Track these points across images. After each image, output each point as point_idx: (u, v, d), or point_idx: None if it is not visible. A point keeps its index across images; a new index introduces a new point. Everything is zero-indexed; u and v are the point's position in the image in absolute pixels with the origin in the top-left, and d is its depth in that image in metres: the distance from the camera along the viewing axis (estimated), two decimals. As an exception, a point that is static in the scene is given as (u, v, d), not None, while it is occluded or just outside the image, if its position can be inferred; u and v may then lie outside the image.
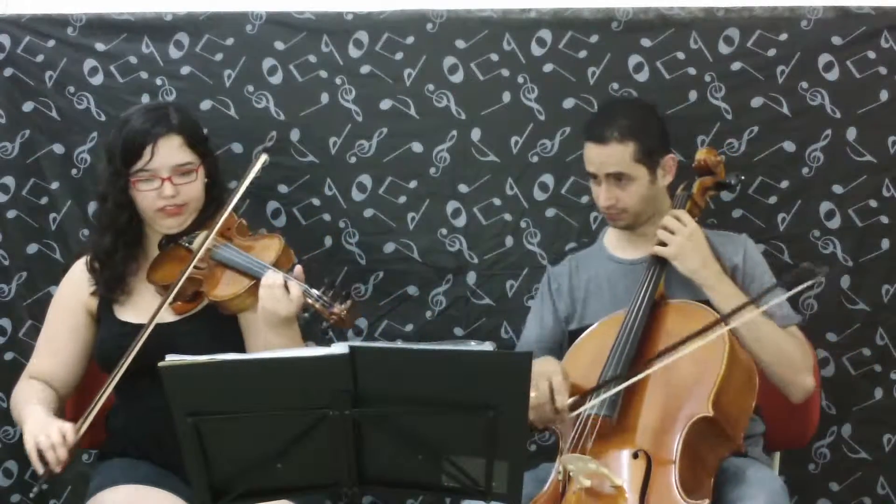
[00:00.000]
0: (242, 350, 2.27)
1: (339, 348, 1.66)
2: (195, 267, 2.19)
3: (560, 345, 2.51)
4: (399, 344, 2.71)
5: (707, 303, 2.33)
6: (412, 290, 2.82)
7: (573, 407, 2.20)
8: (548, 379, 2.21)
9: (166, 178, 2.23)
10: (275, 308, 2.10)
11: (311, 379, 1.68)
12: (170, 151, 2.24)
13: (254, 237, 2.33)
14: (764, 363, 2.31)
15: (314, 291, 2.11)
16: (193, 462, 1.71)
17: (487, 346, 1.71)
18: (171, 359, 1.68)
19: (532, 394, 2.16)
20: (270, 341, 2.14)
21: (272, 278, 2.12)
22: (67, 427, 2.11)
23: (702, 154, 2.54)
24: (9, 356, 2.84)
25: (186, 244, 2.27)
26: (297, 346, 2.16)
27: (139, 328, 2.21)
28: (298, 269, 2.16)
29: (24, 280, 2.84)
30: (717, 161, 2.53)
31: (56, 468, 2.08)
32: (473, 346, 1.71)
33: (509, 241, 2.82)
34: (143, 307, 2.27)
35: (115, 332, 2.28)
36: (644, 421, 2.18)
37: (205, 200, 2.32)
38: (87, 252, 2.38)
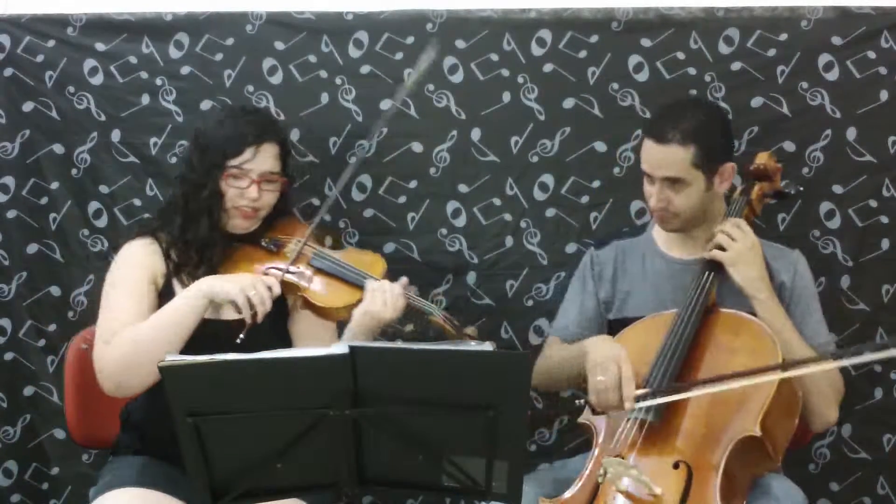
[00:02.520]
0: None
1: (338, 348, 1.66)
2: (289, 271, 2.26)
3: (599, 329, 2.47)
4: (399, 344, 2.71)
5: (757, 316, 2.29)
6: (412, 290, 2.82)
7: (638, 399, 2.15)
8: (617, 364, 2.16)
9: (255, 181, 2.29)
10: (381, 311, 2.20)
11: (311, 379, 1.68)
12: (267, 157, 2.31)
13: (348, 250, 2.42)
14: (806, 399, 2.26)
15: (439, 311, 2.24)
16: (193, 462, 1.71)
17: (487, 346, 1.71)
18: (172, 359, 1.68)
19: (599, 377, 2.16)
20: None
21: (377, 284, 2.23)
22: (271, 281, 2.19)
23: (762, 159, 2.49)
24: (9, 356, 2.85)
25: (270, 246, 2.34)
26: None
27: (203, 321, 2.21)
28: (404, 280, 2.28)
29: (24, 280, 2.84)
30: (776, 167, 2.50)
31: (261, 317, 2.16)
32: (473, 346, 1.71)
33: (509, 241, 2.82)
34: None
35: None
36: (687, 431, 2.14)
37: (270, 211, 2.36)
38: (147, 234, 2.34)
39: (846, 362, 2.20)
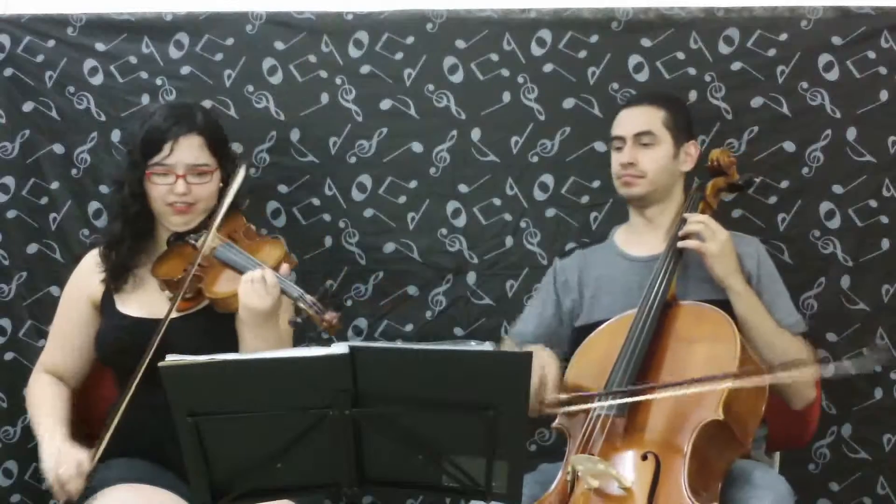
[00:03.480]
0: (236, 349, 2.27)
1: (339, 348, 1.66)
2: (199, 265, 2.21)
3: (558, 338, 2.50)
4: (399, 344, 2.71)
5: (719, 304, 2.31)
6: (412, 290, 2.82)
7: (561, 403, 2.19)
8: (540, 369, 2.21)
9: (180, 176, 2.26)
10: (251, 302, 2.12)
11: (311, 379, 1.67)
12: (188, 150, 2.27)
13: (261, 240, 2.34)
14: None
15: (308, 297, 2.11)
16: (193, 462, 1.71)
17: (487, 346, 1.71)
18: (171, 359, 1.68)
19: None
20: (250, 344, 2.17)
21: (251, 273, 2.14)
22: (82, 457, 2.14)
23: (715, 154, 2.53)
24: (9, 356, 2.85)
25: (193, 241, 2.29)
26: (282, 348, 2.17)
27: (138, 322, 2.26)
28: (284, 267, 2.18)
29: (24, 280, 2.84)
30: (730, 162, 2.53)
31: (75, 497, 2.13)
32: (473, 346, 1.71)
33: (509, 241, 2.82)
34: (145, 301, 2.30)
35: (114, 324, 2.30)
36: (653, 423, 2.16)
37: (215, 203, 2.33)
38: (98, 243, 2.41)
39: (785, 376, 2.20)
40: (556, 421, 2.28)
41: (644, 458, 2.10)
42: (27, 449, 2.85)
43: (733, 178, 2.54)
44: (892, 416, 2.78)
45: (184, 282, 2.18)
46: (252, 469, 1.73)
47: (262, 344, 2.16)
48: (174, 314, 2.21)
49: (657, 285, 2.33)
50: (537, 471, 2.35)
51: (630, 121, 2.48)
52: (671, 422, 2.14)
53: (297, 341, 2.41)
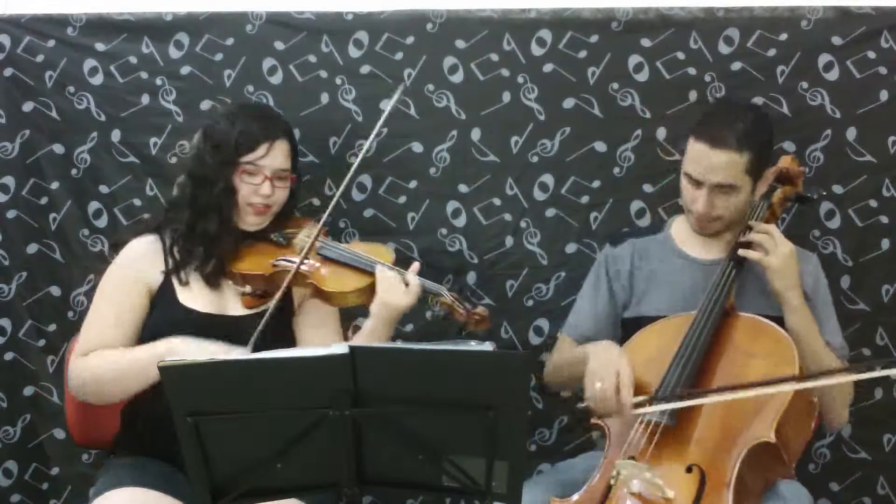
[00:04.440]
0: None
1: (338, 348, 1.66)
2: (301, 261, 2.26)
3: (615, 328, 2.47)
4: (399, 344, 2.71)
5: (773, 318, 2.28)
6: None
7: (637, 406, 2.15)
8: (616, 370, 2.16)
9: (268, 178, 2.30)
10: (392, 300, 2.19)
11: (311, 379, 1.68)
12: (279, 154, 2.32)
13: (355, 243, 2.43)
14: (823, 405, 2.28)
15: (447, 293, 2.22)
16: (193, 462, 1.71)
17: (487, 346, 1.71)
18: (172, 359, 1.69)
19: (597, 384, 2.16)
20: (372, 339, 2.22)
21: (390, 272, 2.21)
22: (236, 351, 2.12)
23: (786, 161, 2.49)
24: (9, 356, 2.85)
25: (279, 239, 2.34)
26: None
27: (206, 317, 2.26)
28: (416, 265, 2.25)
29: (24, 280, 2.84)
30: (799, 171, 2.50)
31: None
32: (473, 346, 1.71)
33: (509, 241, 2.82)
34: (211, 297, 2.30)
35: (178, 317, 2.26)
36: (701, 435, 2.13)
37: (281, 208, 2.38)
38: (152, 230, 2.36)
39: (857, 376, 2.18)
40: (596, 416, 2.25)
41: (689, 470, 2.08)
42: (27, 449, 2.87)
43: (799, 188, 2.50)
44: (892, 416, 2.78)
45: (283, 276, 2.24)
46: (252, 469, 1.73)
47: (383, 340, 2.23)
48: (242, 311, 2.26)
49: (718, 291, 2.29)
50: (549, 472, 2.34)
51: (710, 168, 2.27)
52: (721, 437, 2.11)
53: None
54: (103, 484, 2.19)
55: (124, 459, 2.27)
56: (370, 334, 2.24)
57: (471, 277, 2.82)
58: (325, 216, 2.33)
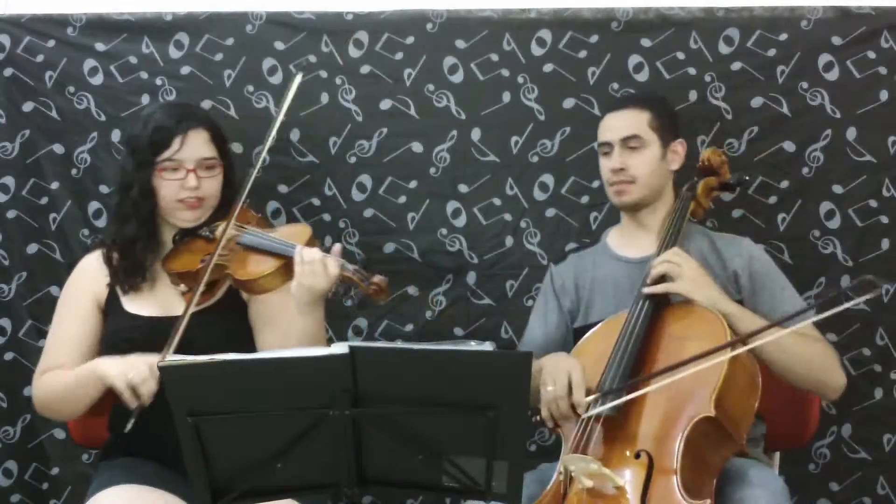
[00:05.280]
0: (251, 342, 2.30)
1: (339, 348, 1.66)
2: (219, 254, 2.21)
3: (565, 342, 2.50)
4: (399, 344, 2.71)
5: None
6: (412, 290, 2.82)
7: (592, 404, 2.17)
8: (567, 373, 2.19)
9: (191, 170, 2.27)
10: (312, 283, 2.11)
11: (311, 379, 1.68)
12: (197, 144, 2.29)
13: (282, 226, 2.37)
14: (793, 373, 2.28)
15: (350, 265, 2.13)
16: (193, 462, 1.71)
17: (487, 346, 1.70)
18: (171, 359, 1.69)
19: (549, 388, 2.18)
20: (296, 322, 2.16)
21: (310, 253, 2.13)
22: (152, 359, 2.12)
23: (706, 154, 2.54)
24: (9, 356, 2.85)
25: (207, 234, 2.30)
26: (321, 331, 2.19)
27: (152, 321, 2.26)
28: (337, 246, 2.18)
29: (24, 280, 2.84)
30: (721, 161, 2.53)
31: (147, 401, 2.11)
32: (473, 346, 1.71)
33: (509, 241, 2.82)
34: (153, 299, 2.31)
35: (125, 324, 2.29)
36: (646, 421, 2.16)
37: (219, 200, 2.35)
38: (99, 245, 2.40)
39: (839, 308, 2.11)
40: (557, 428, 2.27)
41: (637, 456, 2.10)
42: (27, 449, 2.86)
43: (725, 177, 2.54)
44: (892, 416, 2.78)
45: (204, 271, 2.19)
46: (252, 469, 1.73)
47: (312, 324, 2.16)
48: (192, 309, 2.22)
49: (638, 311, 2.30)
50: (537, 469, 2.35)
51: (616, 125, 2.46)
52: (663, 420, 2.14)
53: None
54: (97, 484, 2.19)
55: (115, 461, 2.28)
56: (298, 316, 2.17)
57: (471, 277, 2.82)
58: (239, 203, 2.25)
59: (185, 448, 1.70)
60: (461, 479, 1.73)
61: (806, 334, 2.30)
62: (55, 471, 2.87)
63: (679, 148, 2.49)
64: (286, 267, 2.16)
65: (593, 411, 2.16)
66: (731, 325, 2.23)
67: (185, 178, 2.27)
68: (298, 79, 2.35)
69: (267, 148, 2.32)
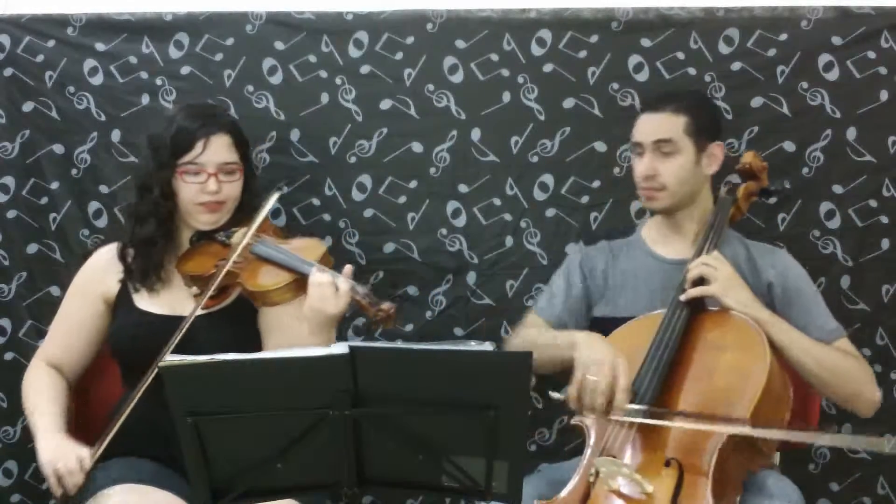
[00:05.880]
0: (259, 346, 2.31)
1: (339, 348, 1.66)
2: (234, 261, 2.22)
3: (581, 320, 2.47)
4: (399, 344, 2.71)
5: None
6: (412, 290, 2.82)
7: (628, 413, 2.14)
8: (613, 369, 2.13)
9: (212, 174, 2.28)
10: (323, 307, 2.11)
11: (311, 379, 1.68)
12: (219, 149, 2.30)
13: (292, 238, 2.36)
14: (830, 386, 2.27)
15: (360, 288, 2.13)
16: (193, 462, 1.71)
17: (487, 346, 1.70)
18: (171, 359, 1.69)
19: (592, 377, 2.13)
20: (303, 341, 2.15)
21: (321, 276, 2.13)
22: (84, 454, 2.15)
23: (747, 157, 2.50)
24: (9, 356, 2.85)
25: (223, 238, 2.31)
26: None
27: (160, 318, 2.28)
28: (348, 268, 2.18)
29: (24, 280, 2.84)
30: (762, 166, 2.50)
31: (72, 493, 2.13)
32: (473, 346, 1.71)
33: (509, 241, 2.82)
34: (165, 299, 2.32)
35: (133, 321, 2.31)
36: (678, 429, 2.13)
37: (238, 203, 2.36)
38: (111, 242, 2.41)
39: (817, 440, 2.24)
40: (576, 417, 2.25)
41: (667, 464, 2.09)
42: (27, 449, 2.84)
43: (764, 183, 2.51)
44: (892, 416, 2.78)
45: (216, 276, 2.20)
46: (252, 469, 1.73)
47: (316, 342, 2.15)
48: (198, 312, 2.23)
49: (674, 317, 2.28)
50: (542, 471, 2.35)
51: (649, 128, 2.40)
52: (698, 430, 2.11)
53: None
54: (98, 484, 2.18)
55: (114, 459, 2.27)
56: (308, 336, 2.17)
57: (471, 277, 2.82)
58: (261, 214, 2.27)
59: (185, 448, 1.70)
60: (461, 479, 1.73)
61: (842, 349, 2.31)
62: (55, 471, 2.87)
63: (717, 151, 2.42)
64: (297, 283, 2.17)
65: (629, 418, 2.14)
66: (766, 331, 2.22)
67: (206, 181, 2.28)
68: (274, 197, 2.34)
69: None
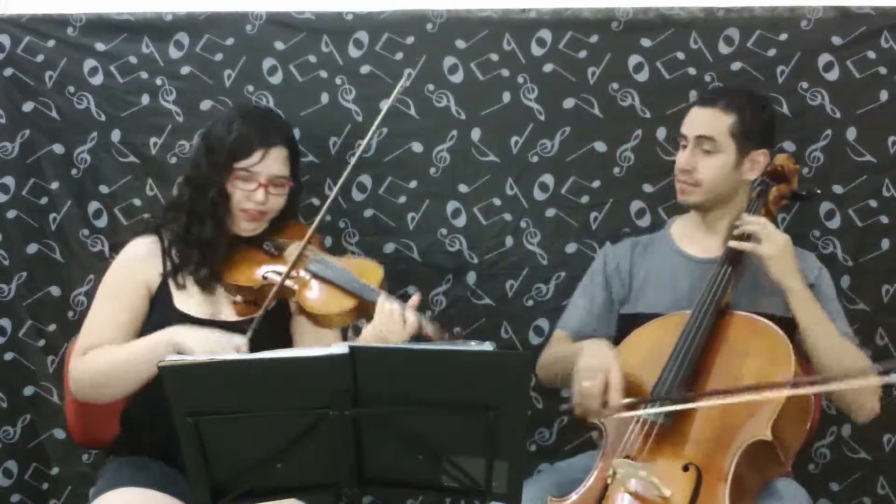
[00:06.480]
0: None
1: (339, 348, 1.66)
2: (289, 276, 2.23)
3: (608, 324, 2.47)
4: (399, 344, 2.70)
5: (773, 319, 2.27)
6: (412, 290, 2.81)
7: (630, 407, 2.14)
8: (605, 372, 2.14)
9: (263, 184, 2.27)
10: (389, 337, 2.14)
11: (311, 379, 1.68)
12: (275, 161, 2.29)
13: (344, 256, 2.37)
14: (840, 390, 2.25)
15: (430, 326, 2.16)
16: (193, 462, 1.71)
17: (487, 346, 1.71)
18: (172, 359, 1.69)
19: (585, 383, 2.14)
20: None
21: (390, 305, 2.16)
22: (238, 341, 2.12)
23: (780, 159, 2.48)
24: (9, 356, 2.85)
25: (270, 249, 2.31)
26: None
27: (198, 322, 2.24)
28: (416, 298, 2.19)
29: (24, 280, 2.84)
30: (794, 169, 2.49)
31: None
32: (473, 346, 1.71)
33: (509, 241, 2.82)
34: (204, 301, 2.30)
35: (172, 321, 2.24)
36: (699, 434, 2.13)
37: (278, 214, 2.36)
38: (145, 233, 2.36)
39: (842, 385, 2.16)
40: (591, 418, 2.23)
41: (685, 469, 2.08)
42: (27, 449, 2.87)
43: (794, 186, 2.50)
44: (892, 416, 2.78)
45: (269, 290, 2.21)
46: (252, 469, 1.73)
47: None
48: (234, 317, 2.24)
49: (713, 290, 2.28)
50: (547, 472, 2.34)
51: (695, 122, 2.38)
52: (717, 436, 2.11)
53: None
54: (103, 484, 2.19)
55: (123, 459, 2.27)
56: None
57: (471, 277, 2.82)
58: (312, 228, 2.28)
59: (185, 448, 1.70)
60: (461, 479, 1.73)
61: (855, 355, 2.29)
62: (55, 471, 2.87)
63: (761, 158, 2.39)
64: (360, 307, 2.20)
65: (647, 415, 2.14)
66: (792, 304, 2.23)
67: (256, 190, 2.27)
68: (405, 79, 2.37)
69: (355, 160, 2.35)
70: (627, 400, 2.14)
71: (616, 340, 2.37)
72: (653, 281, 2.45)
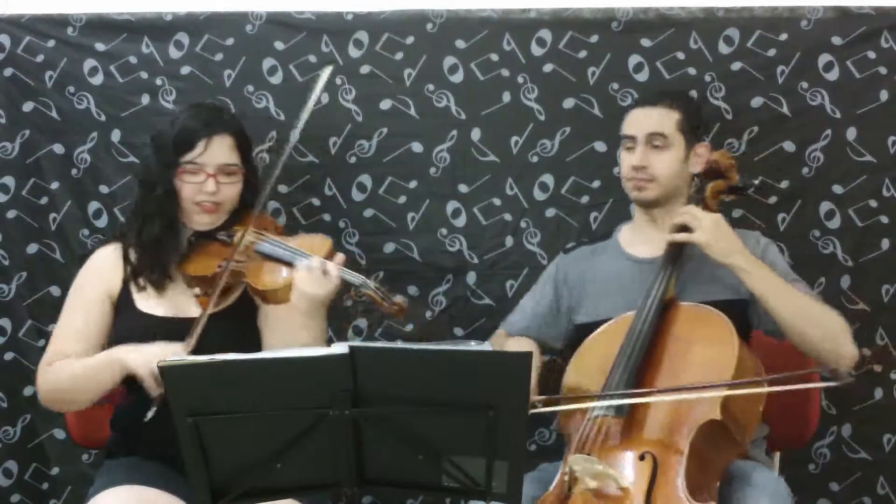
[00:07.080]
0: (260, 346, 2.30)
1: (339, 348, 1.66)
2: (236, 260, 2.22)
3: (547, 331, 2.52)
4: (399, 344, 2.71)
5: (718, 304, 2.30)
6: (412, 290, 2.82)
7: (544, 403, 2.20)
8: None
9: (211, 175, 2.28)
10: (312, 290, 2.13)
11: (311, 379, 1.68)
12: (220, 149, 2.29)
13: (297, 236, 2.36)
14: (808, 337, 2.26)
15: (372, 283, 2.15)
16: (193, 462, 1.71)
17: (487, 346, 1.71)
18: (171, 358, 1.69)
19: None
20: (297, 335, 2.17)
21: (309, 261, 2.16)
22: (176, 348, 2.13)
23: (715, 156, 2.51)
24: (9, 356, 2.85)
25: (224, 238, 2.31)
26: (318, 344, 2.19)
27: (163, 321, 2.26)
28: (340, 256, 2.20)
29: (24, 280, 2.84)
30: (730, 164, 2.50)
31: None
32: (473, 346, 1.71)
33: (509, 241, 2.82)
34: (166, 300, 2.30)
35: (137, 323, 2.28)
36: (651, 423, 2.16)
37: (237, 204, 2.35)
38: (117, 240, 2.39)
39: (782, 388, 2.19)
40: (555, 423, 2.27)
41: (642, 457, 2.10)
42: (27, 449, 2.87)
43: (733, 180, 2.51)
44: (892, 416, 2.78)
45: (220, 276, 2.20)
46: (252, 469, 1.73)
47: (309, 335, 2.18)
48: (199, 312, 2.23)
49: (656, 286, 2.33)
50: (538, 470, 2.35)
51: (643, 121, 2.44)
52: (669, 422, 2.14)
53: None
54: (99, 484, 2.19)
55: (119, 460, 2.28)
56: (300, 329, 2.19)
57: (471, 277, 2.82)
58: (256, 210, 2.27)
59: (185, 448, 1.70)
60: (461, 479, 1.73)
61: (819, 301, 2.32)
62: (55, 471, 2.87)
63: (702, 150, 2.47)
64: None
65: (597, 409, 2.17)
66: (744, 280, 2.27)
67: (205, 182, 2.27)
68: (327, 71, 2.38)
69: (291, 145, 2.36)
70: (543, 397, 2.21)
71: (572, 349, 2.43)
72: (606, 288, 2.49)
